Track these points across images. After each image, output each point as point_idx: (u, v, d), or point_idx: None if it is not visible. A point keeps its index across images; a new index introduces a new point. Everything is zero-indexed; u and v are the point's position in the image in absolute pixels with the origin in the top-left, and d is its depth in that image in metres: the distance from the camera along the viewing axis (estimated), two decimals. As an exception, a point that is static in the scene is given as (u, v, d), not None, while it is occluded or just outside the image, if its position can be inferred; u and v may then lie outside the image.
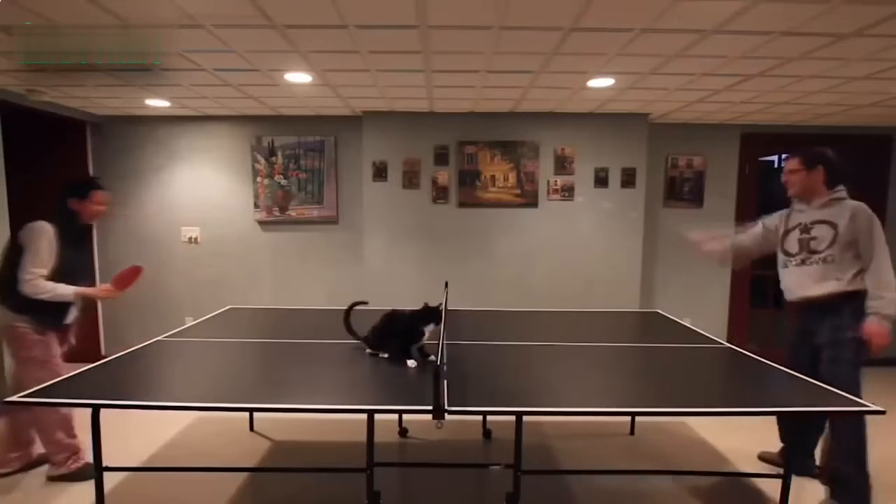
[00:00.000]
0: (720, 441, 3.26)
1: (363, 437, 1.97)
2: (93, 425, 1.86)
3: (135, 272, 2.78)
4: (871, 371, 4.74)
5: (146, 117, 4.69)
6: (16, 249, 2.54)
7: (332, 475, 2.75)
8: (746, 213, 4.86)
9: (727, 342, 2.73)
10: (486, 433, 3.29)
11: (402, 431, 3.30)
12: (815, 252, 2.60)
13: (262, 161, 4.73)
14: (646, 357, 2.45)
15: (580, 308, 4.42)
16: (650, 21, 2.37)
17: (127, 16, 2.33)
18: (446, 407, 1.69)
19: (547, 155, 4.51)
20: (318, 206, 4.78)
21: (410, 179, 4.52)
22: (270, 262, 4.87)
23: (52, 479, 2.72)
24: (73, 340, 2.88)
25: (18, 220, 3.76)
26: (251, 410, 2.61)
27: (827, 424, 2.66)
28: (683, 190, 4.83)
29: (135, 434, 3.28)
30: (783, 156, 5.23)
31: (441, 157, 4.51)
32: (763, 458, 3.05)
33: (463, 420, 3.39)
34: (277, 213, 4.79)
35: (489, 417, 3.32)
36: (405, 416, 3.32)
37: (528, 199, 4.54)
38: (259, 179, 4.75)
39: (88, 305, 2.95)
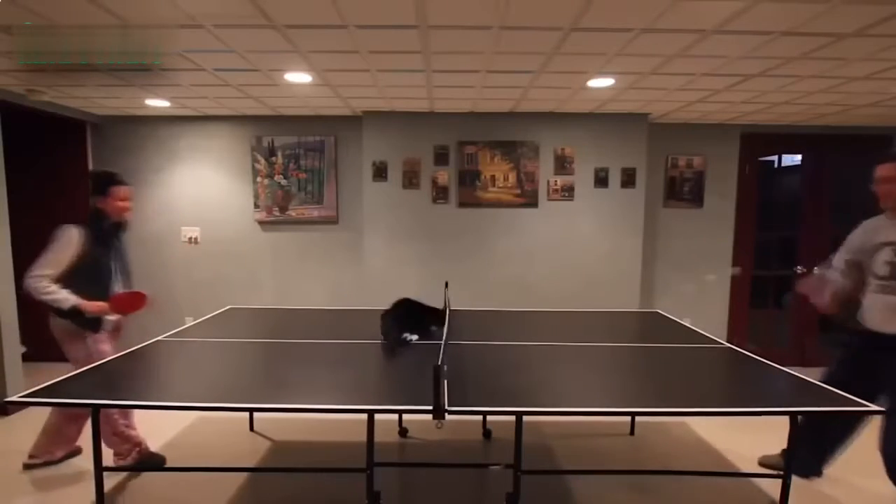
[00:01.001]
0: (720, 441, 3.26)
1: (363, 437, 1.97)
2: (93, 425, 1.86)
3: (138, 299, 2.73)
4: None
5: (146, 117, 4.69)
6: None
7: (332, 475, 2.75)
8: (746, 213, 4.87)
9: (727, 342, 2.73)
10: (486, 433, 3.29)
11: (402, 431, 3.30)
12: None
13: (262, 161, 4.73)
14: (646, 357, 2.45)
15: (580, 308, 4.41)
16: (650, 21, 2.37)
17: (127, 16, 2.33)
18: (446, 407, 1.69)
19: (547, 155, 4.51)
20: (318, 206, 4.78)
21: (410, 179, 4.52)
22: (270, 262, 4.87)
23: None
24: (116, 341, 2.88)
25: (19, 221, 3.77)
26: (251, 410, 2.62)
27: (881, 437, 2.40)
28: (683, 190, 4.83)
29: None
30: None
31: (441, 157, 4.51)
32: (764, 463, 2.93)
33: (463, 420, 3.39)
34: (277, 213, 4.78)
35: (489, 417, 3.32)
36: (405, 416, 3.32)
37: (528, 199, 4.54)
38: (259, 179, 4.75)
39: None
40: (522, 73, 3.24)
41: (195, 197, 4.80)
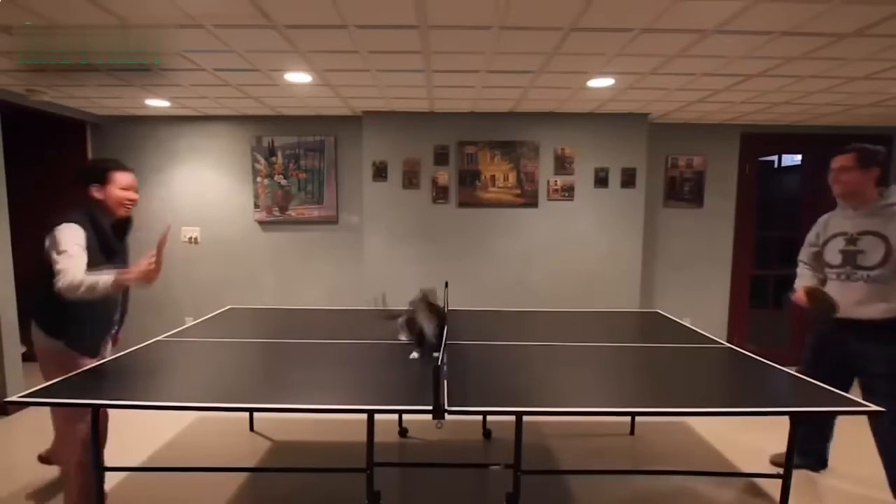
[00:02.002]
0: (720, 441, 3.25)
1: (363, 437, 1.96)
2: (93, 425, 1.86)
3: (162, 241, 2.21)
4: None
5: (146, 117, 4.69)
6: (46, 263, 2.08)
7: (332, 475, 2.75)
8: (746, 213, 4.87)
9: (727, 342, 2.73)
10: (486, 433, 3.29)
11: (402, 431, 3.30)
12: (861, 268, 2.34)
13: (262, 161, 4.73)
14: (646, 357, 2.45)
15: (580, 308, 4.41)
16: (650, 21, 2.37)
17: (127, 16, 2.33)
18: (446, 407, 1.69)
19: (547, 155, 4.51)
20: (318, 206, 4.78)
21: (410, 179, 4.52)
22: (270, 262, 4.87)
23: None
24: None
25: (19, 221, 3.77)
26: (251, 410, 2.62)
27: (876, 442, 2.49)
28: (683, 190, 4.83)
29: (135, 434, 3.28)
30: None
31: (441, 157, 4.51)
32: (776, 462, 2.92)
33: (463, 420, 3.39)
34: (277, 213, 4.78)
35: (489, 417, 3.32)
36: (405, 416, 3.32)
37: (528, 199, 4.54)
38: (259, 179, 4.75)
39: (124, 316, 2.53)
40: (522, 73, 3.24)
41: (195, 197, 4.80)
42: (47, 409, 2.87)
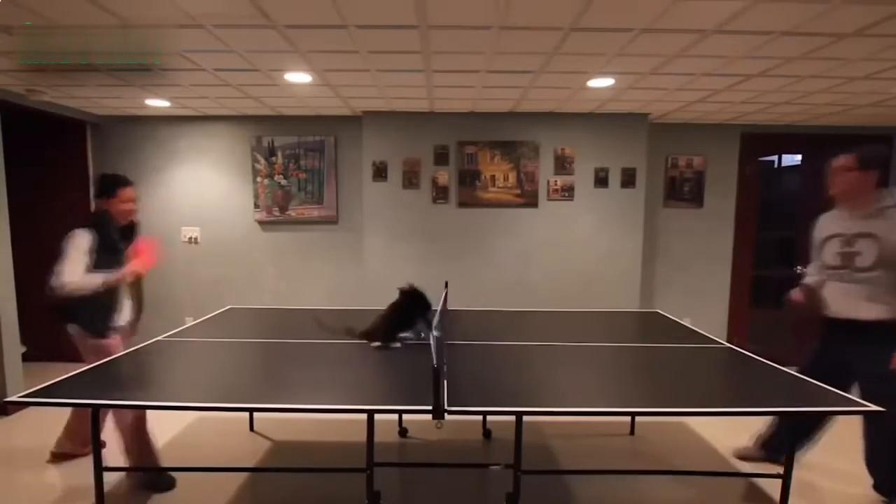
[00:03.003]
0: (720, 441, 3.26)
1: (363, 437, 1.97)
2: (93, 425, 1.86)
3: (151, 249, 2.75)
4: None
5: (146, 117, 4.69)
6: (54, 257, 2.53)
7: (332, 475, 2.75)
8: (746, 213, 4.87)
9: (727, 342, 2.73)
10: (486, 433, 3.29)
11: (402, 431, 3.30)
12: (857, 269, 2.36)
13: (262, 161, 4.73)
14: (646, 357, 2.45)
15: (580, 308, 4.42)
16: (650, 21, 2.37)
17: (127, 16, 2.33)
18: (446, 407, 1.69)
19: (547, 155, 4.51)
20: (318, 206, 4.78)
21: (410, 179, 4.52)
22: (270, 262, 4.87)
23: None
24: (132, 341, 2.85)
25: (19, 221, 3.77)
26: (251, 410, 2.61)
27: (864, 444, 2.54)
28: (683, 190, 4.83)
29: (135, 434, 3.28)
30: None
31: (441, 157, 4.51)
32: (742, 455, 2.98)
33: (463, 420, 3.39)
34: (277, 213, 4.79)
35: (489, 417, 3.32)
36: (405, 416, 3.32)
37: (528, 199, 4.54)
38: (259, 179, 4.75)
39: (140, 307, 2.91)
40: (522, 73, 3.25)
41: (195, 197, 4.80)
42: (47, 409, 2.87)
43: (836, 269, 2.46)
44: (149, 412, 1.75)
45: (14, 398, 1.77)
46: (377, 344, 2.51)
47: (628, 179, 4.52)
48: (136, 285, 2.85)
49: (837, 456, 2.98)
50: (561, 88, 3.61)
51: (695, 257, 4.90)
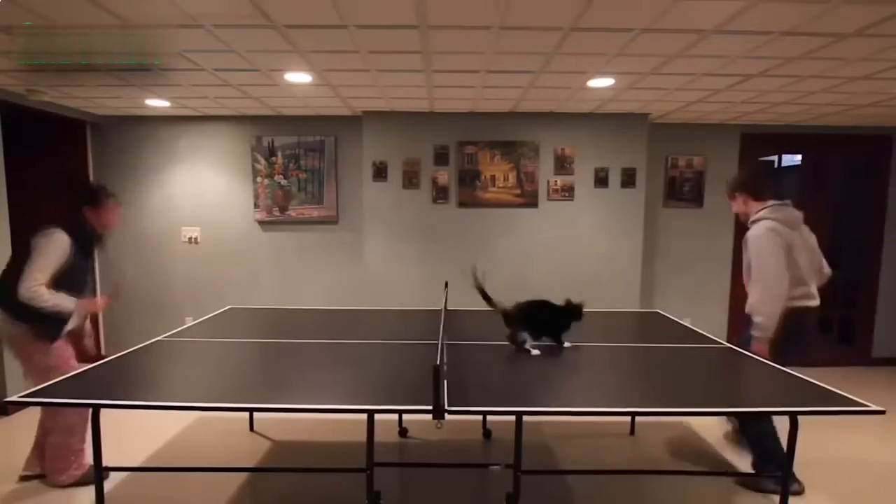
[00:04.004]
0: (720, 441, 3.26)
1: (363, 437, 1.97)
2: (93, 425, 1.86)
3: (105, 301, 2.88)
4: (871, 371, 4.75)
5: (146, 117, 4.69)
6: (24, 254, 2.49)
7: (332, 475, 2.75)
8: (746, 213, 4.87)
9: (727, 342, 2.73)
10: (486, 433, 3.29)
11: (402, 431, 3.30)
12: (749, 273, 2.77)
13: (262, 161, 4.73)
14: (646, 357, 2.45)
15: (580, 308, 4.41)
16: (650, 21, 2.37)
17: (127, 16, 2.33)
18: (446, 407, 1.69)
19: (547, 155, 4.51)
20: (318, 206, 4.78)
21: (410, 179, 4.52)
22: (270, 262, 4.87)
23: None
24: (88, 344, 2.88)
25: (18, 221, 3.77)
26: (251, 410, 2.61)
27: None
28: (683, 190, 4.83)
29: (135, 434, 3.28)
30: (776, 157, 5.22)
31: (441, 157, 4.51)
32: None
33: (463, 420, 3.39)
34: (277, 213, 4.79)
35: (489, 417, 3.32)
36: (405, 416, 3.32)
37: (528, 199, 4.54)
38: (259, 179, 4.75)
39: (89, 314, 2.90)
40: (522, 73, 3.25)
41: (195, 197, 4.80)
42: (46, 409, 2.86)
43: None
44: (150, 412, 1.74)
45: (14, 398, 1.77)
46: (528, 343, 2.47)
47: (628, 179, 4.52)
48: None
49: (835, 456, 2.98)
50: (561, 88, 3.61)
51: (695, 257, 4.90)
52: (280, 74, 3.30)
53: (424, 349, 2.46)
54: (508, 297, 4.61)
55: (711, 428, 3.43)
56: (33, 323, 2.49)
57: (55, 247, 2.48)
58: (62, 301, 2.49)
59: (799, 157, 5.09)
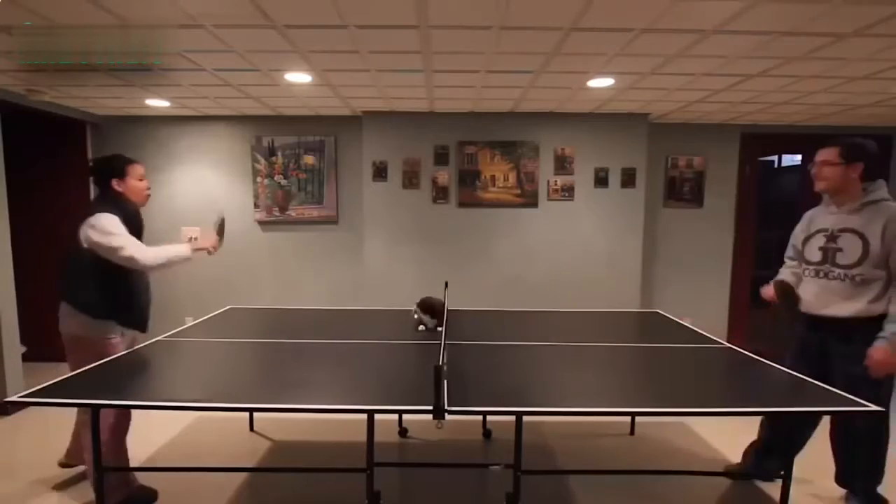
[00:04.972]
0: (720, 441, 3.26)
1: (363, 437, 1.97)
2: (93, 425, 1.86)
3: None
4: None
5: (146, 117, 4.69)
6: (82, 250, 2.27)
7: (332, 475, 2.75)
8: (746, 213, 4.87)
9: (727, 342, 2.73)
10: (486, 433, 3.29)
11: (402, 431, 3.30)
12: (838, 266, 2.30)
13: (262, 161, 4.73)
14: (646, 357, 2.45)
15: (580, 308, 4.41)
16: (650, 21, 2.37)
17: (127, 16, 2.33)
18: (446, 407, 1.69)
19: (547, 155, 4.52)
20: (318, 206, 4.78)
21: (410, 179, 4.52)
22: (270, 262, 4.87)
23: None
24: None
25: (18, 221, 3.77)
26: (251, 410, 2.62)
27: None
28: (683, 190, 4.83)
29: (135, 434, 3.27)
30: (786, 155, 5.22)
31: (441, 157, 4.51)
32: (729, 471, 2.86)
33: (463, 420, 3.39)
34: (277, 213, 4.79)
35: (489, 417, 3.32)
36: (405, 416, 3.32)
37: (528, 199, 4.54)
38: (259, 179, 4.75)
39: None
40: (522, 73, 3.25)
41: (195, 197, 4.80)
42: (48, 409, 2.87)
43: (817, 265, 2.41)
44: (150, 412, 1.74)
45: (14, 398, 1.77)
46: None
47: (628, 179, 4.52)
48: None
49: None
50: (561, 88, 3.61)
51: (695, 257, 4.90)
52: (280, 74, 3.30)
53: (424, 349, 2.46)
54: (508, 297, 4.64)
55: (711, 428, 3.43)
56: (120, 314, 2.40)
57: (110, 222, 2.26)
58: (177, 250, 2.46)
59: (799, 157, 5.09)
